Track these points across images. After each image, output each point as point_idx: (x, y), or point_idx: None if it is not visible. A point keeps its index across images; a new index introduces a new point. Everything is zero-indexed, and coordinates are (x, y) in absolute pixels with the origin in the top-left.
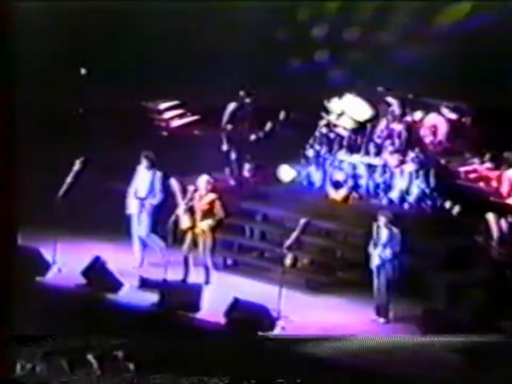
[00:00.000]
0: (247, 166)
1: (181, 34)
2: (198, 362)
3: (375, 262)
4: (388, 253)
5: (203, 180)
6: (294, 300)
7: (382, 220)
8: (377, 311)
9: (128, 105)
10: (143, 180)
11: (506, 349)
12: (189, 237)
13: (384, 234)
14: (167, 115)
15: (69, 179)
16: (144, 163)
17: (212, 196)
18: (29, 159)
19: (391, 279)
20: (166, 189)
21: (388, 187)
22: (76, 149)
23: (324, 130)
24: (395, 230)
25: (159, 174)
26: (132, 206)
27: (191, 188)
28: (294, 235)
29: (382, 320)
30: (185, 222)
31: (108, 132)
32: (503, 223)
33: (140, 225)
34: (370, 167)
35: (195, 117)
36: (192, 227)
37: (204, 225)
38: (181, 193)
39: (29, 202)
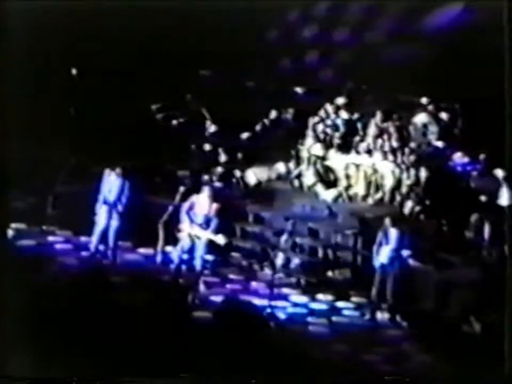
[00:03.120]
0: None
1: (171, 35)
2: (189, 361)
3: (380, 260)
4: (393, 252)
5: (204, 198)
6: (285, 299)
7: (388, 220)
8: (372, 309)
9: (120, 105)
10: (113, 185)
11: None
12: (183, 238)
13: (392, 234)
14: (160, 116)
15: (61, 178)
16: (117, 171)
17: (214, 206)
18: (23, 158)
19: (396, 278)
20: (135, 194)
21: (378, 187)
22: (69, 148)
23: (315, 129)
24: (400, 230)
25: (129, 180)
26: (102, 211)
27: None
28: (284, 235)
29: (368, 317)
30: (185, 227)
31: (99, 131)
32: (493, 223)
33: (110, 229)
34: (361, 167)
35: (186, 118)
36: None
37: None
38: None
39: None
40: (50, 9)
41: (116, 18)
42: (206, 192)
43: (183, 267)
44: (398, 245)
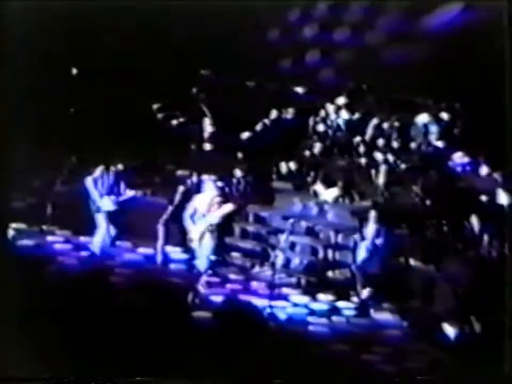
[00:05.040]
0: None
1: (171, 34)
2: (189, 363)
3: (361, 256)
4: (373, 248)
5: (209, 198)
6: (285, 299)
7: (371, 215)
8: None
9: (120, 105)
10: (111, 184)
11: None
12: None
13: (371, 229)
14: (161, 115)
15: (61, 178)
16: (119, 167)
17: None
18: (22, 158)
19: (376, 274)
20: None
21: (378, 187)
22: (68, 148)
23: (316, 129)
24: (383, 226)
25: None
26: (106, 204)
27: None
28: (284, 235)
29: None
30: (193, 232)
31: (100, 132)
32: (493, 223)
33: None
34: (360, 167)
35: (186, 118)
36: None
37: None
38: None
39: (22, 201)
40: (50, 9)
41: (116, 18)
42: (211, 192)
43: (184, 267)
44: (375, 241)
